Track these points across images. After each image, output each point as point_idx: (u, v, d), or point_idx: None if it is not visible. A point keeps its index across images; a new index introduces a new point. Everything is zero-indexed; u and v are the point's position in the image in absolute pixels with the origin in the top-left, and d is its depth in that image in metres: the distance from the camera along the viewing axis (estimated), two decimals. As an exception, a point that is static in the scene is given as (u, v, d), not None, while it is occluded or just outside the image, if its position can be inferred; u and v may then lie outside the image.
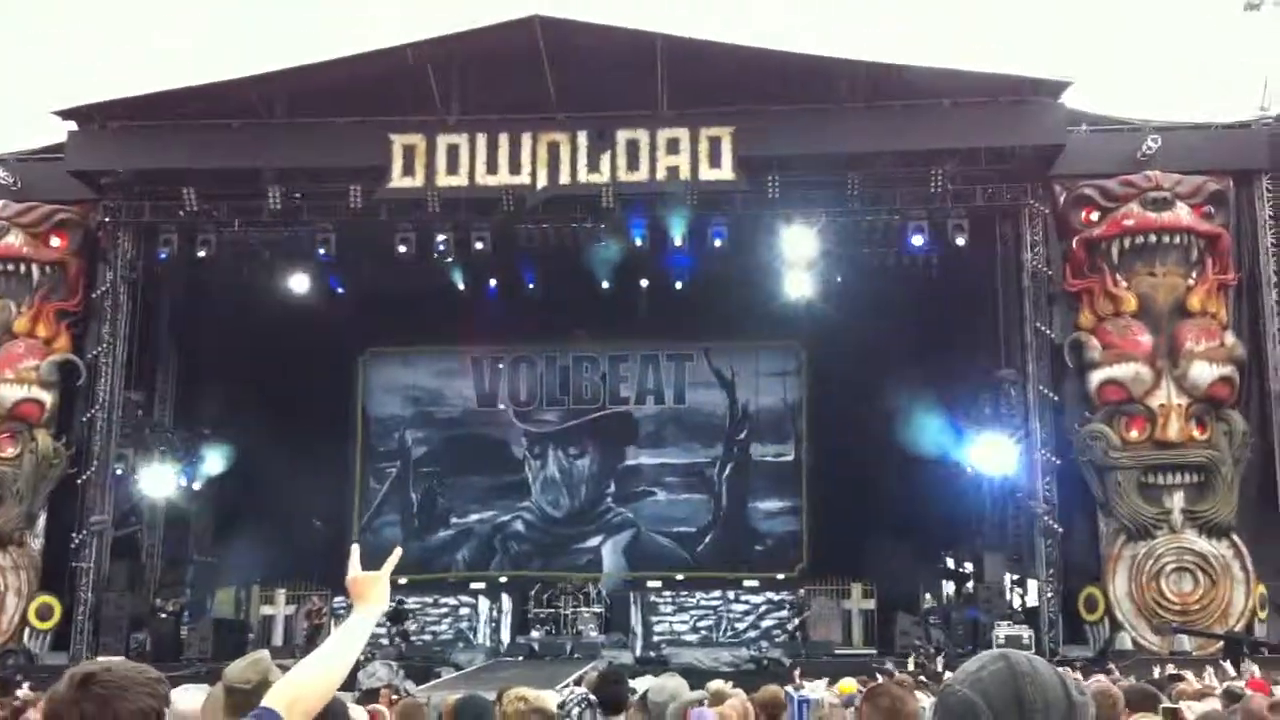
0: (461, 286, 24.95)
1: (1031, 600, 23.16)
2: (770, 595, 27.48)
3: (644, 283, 25.37)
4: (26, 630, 22.08)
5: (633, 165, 21.37)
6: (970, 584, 25.90)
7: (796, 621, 26.58)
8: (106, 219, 23.13)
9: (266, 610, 27.25)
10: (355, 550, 3.28)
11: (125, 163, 22.59)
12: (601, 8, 21.30)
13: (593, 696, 7.04)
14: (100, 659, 2.74)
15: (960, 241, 22.19)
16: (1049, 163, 22.20)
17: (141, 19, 42.27)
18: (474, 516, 29.68)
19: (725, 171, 21.35)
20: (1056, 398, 22.26)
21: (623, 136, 21.41)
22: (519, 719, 4.34)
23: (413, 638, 26.08)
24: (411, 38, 20.90)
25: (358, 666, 21.04)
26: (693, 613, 27.28)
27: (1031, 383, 22.28)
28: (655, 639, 26.21)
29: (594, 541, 29.62)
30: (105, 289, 22.92)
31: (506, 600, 27.16)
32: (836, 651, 24.52)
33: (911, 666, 18.44)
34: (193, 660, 21.57)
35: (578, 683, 13.02)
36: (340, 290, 25.25)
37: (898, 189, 22.54)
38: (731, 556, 28.86)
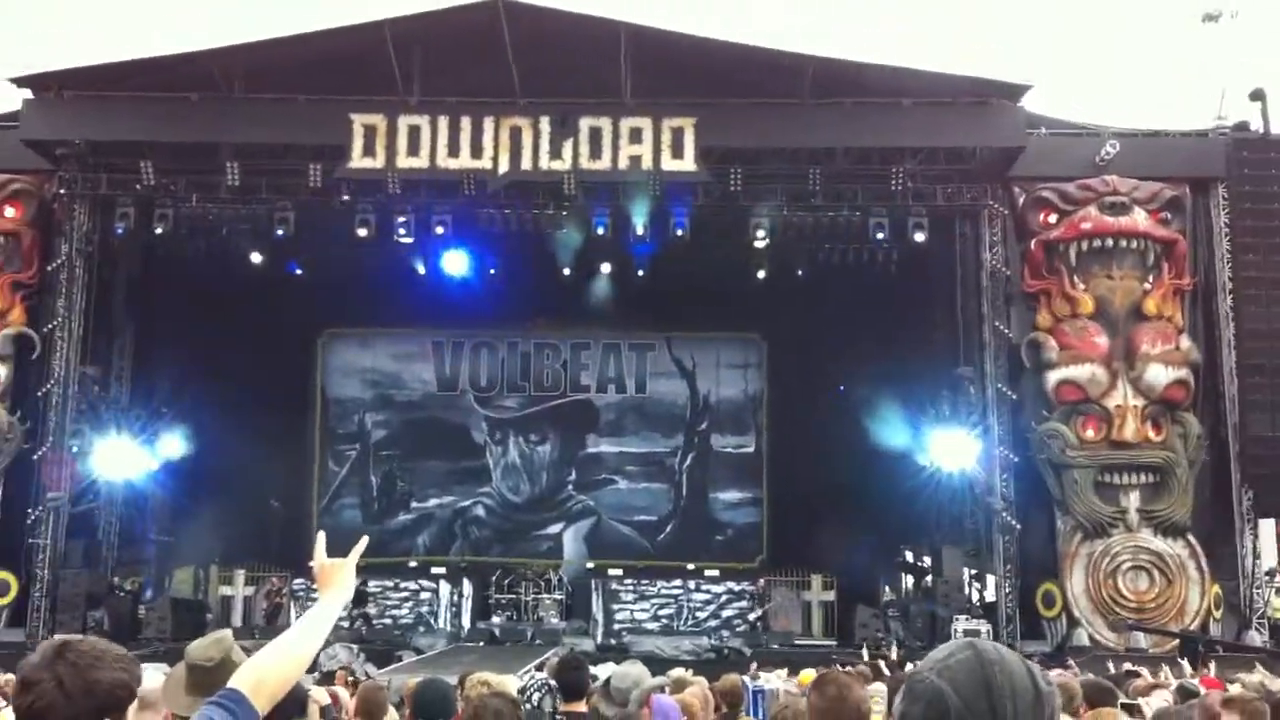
0: (421, 270, 24.83)
1: (990, 595, 23.36)
2: (731, 585, 27.51)
3: (605, 270, 25.29)
4: (-19, 607, 21.89)
5: (595, 153, 21.24)
6: (929, 578, 26.04)
7: (758, 612, 26.62)
8: (62, 190, 22.79)
9: (225, 590, 27.14)
10: (321, 537, 3.29)
11: (81, 133, 22.24)
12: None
13: (553, 682, 7.08)
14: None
15: (920, 238, 22.27)
16: (1008, 164, 22.30)
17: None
18: (434, 501, 29.62)
19: (687, 162, 21.27)
20: (1014, 396, 22.42)
21: (585, 124, 21.28)
22: (481, 703, 4.31)
23: (374, 621, 26.00)
24: (375, 16, 20.67)
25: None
26: (654, 601, 27.27)
27: (989, 380, 22.44)
28: (616, 626, 26.21)
29: (555, 528, 29.61)
30: (61, 262, 22.60)
31: (467, 585, 27.11)
32: (796, 642, 24.66)
33: (867, 657, 18.51)
34: (151, 639, 21.47)
35: (539, 668, 13.01)
36: (298, 270, 25.10)
37: (859, 186, 22.55)
38: (692, 546, 28.93)
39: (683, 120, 21.22)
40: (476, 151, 21.27)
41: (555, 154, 21.25)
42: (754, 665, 16.97)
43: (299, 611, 25.88)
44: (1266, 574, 22.39)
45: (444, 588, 27.15)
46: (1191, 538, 21.75)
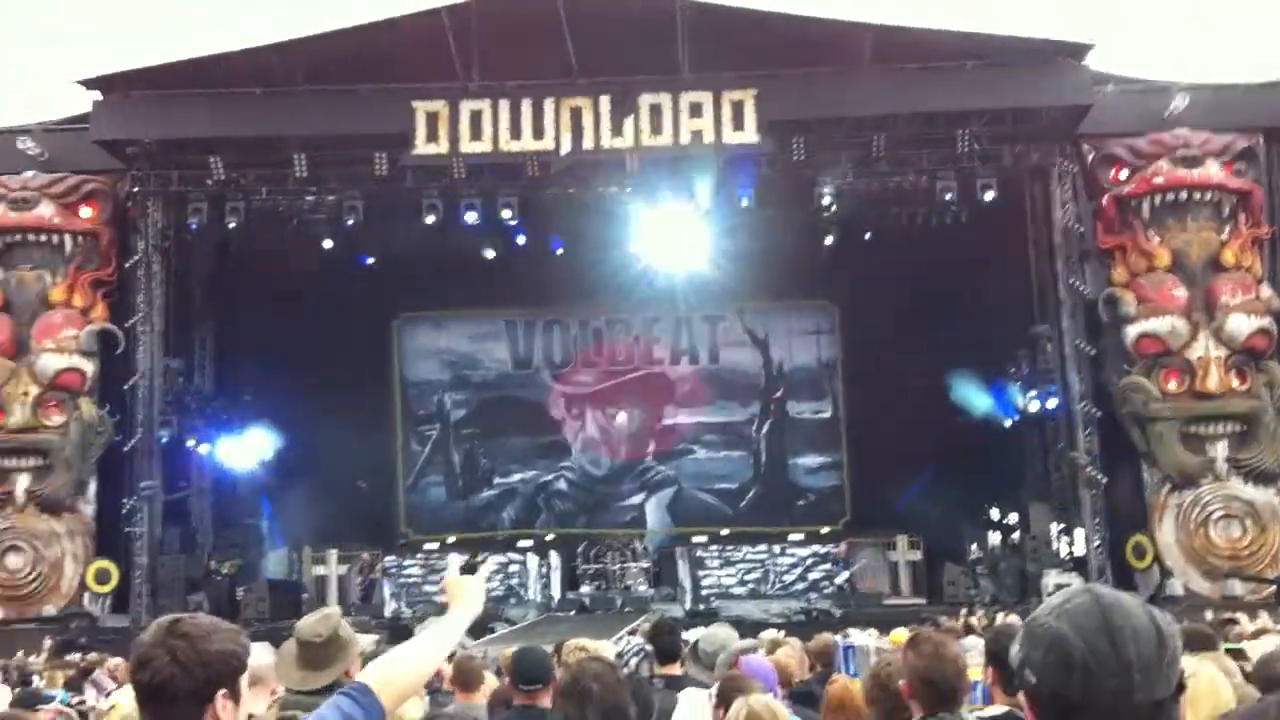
0: (490, 252, 25.02)
1: (1079, 549, 23.13)
2: (816, 548, 27.51)
3: (671, 242, 25.19)
4: (86, 594, 22.49)
5: (656, 129, 21.17)
6: (1016, 534, 25.84)
7: (845, 574, 26.58)
8: (135, 189, 23.23)
9: (319, 570, 27.67)
10: (453, 559, 3.45)
11: (150, 132, 22.60)
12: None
13: (648, 646, 7.14)
14: None
15: (989, 197, 22.02)
16: (1076, 122, 21.91)
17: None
18: (516, 476, 29.92)
19: (749, 134, 21.12)
20: (1093, 351, 22.18)
21: (645, 101, 21.21)
22: (580, 667, 4.43)
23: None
24: (433, 5, 20.76)
25: (416, 621, 21.49)
26: (739, 566, 27.34)
27: (1067, 338, 22.19)
28: (704, 592, 26.33)
29: (637, 499, 29.79)
30: (138, 258, 23.01)
31: (555, 557, 27.40)
32: (886, 603, 24.62)
33: (963, 616, 18.43)
34: (250, 621, 21.88)
35: (631, 634, 13.15)
36: (369, 260, 25.42)
37: (924, 150, 22.33)
38: (774, 512, 28.93)
39: (743, 92, 21.05)
40: (538, 133, 21.31)
41: (616, 132, 21.23)
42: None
43: (393, 589, 26.43)
44: (1363, 516, 21.84)
45: (532, 560, 27.47)
46: (1283, 484, 21.33)
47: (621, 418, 30.01)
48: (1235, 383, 21.51)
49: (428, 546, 28.03)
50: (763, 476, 29.61)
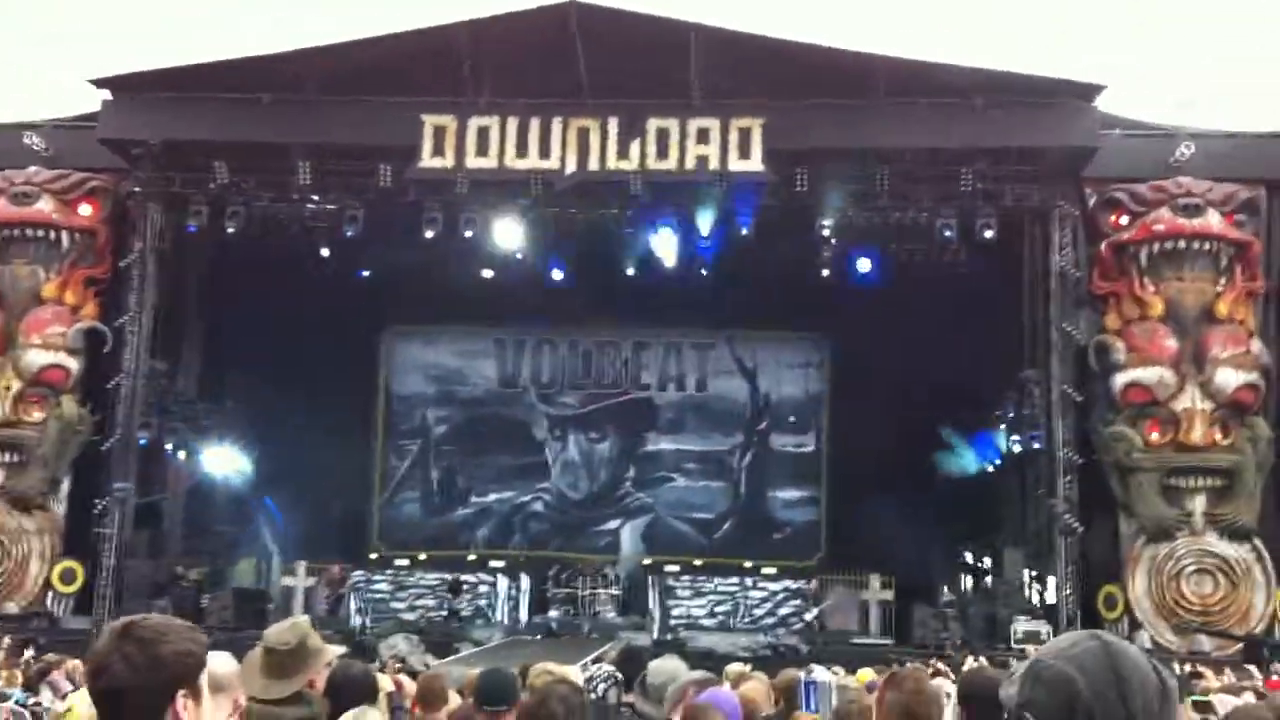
0: (487, 269, 25.02)
1: (1050, 597, 23.21)
2: (788, 583, 27.39)
3: (669, 269, 25.29)
4: (50, 594, 22.26)
5: (662, 153, 21.31)
6: (988, 579, 25.91)
7: (814, 610, 26.57)
8: (136, 189, 23.17)
9: (287, 581, 27.39)
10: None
11: (157, 133, 22.60)
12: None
13: (619, 674, 7.08)
14: None
15: (989, 235, 22.15)
16: (1080, 165, 22.12)
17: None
18: (493, 496, 29.83)
19: (754, 163, 21.28)
20: (1080, 398, 22.23)
21: (653, 124, 21.36)
22: (547, 689, 4.42)
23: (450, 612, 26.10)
24: (445, 19, 20.90)
25: (379, 638, 21.34)
26: (710, 598, 27.21)
27: (1055, 382, 22.20)
28: (672, 622, 26.17)
29: (612, 524, 29.72)
30: (134, 258, 22.94)
31: (525, 579, 27.27)
32: (854, 641, 24.58)
33: (933, 664, 18.46)
34: (213, 629, 21.52)
35: (598, 661, 13.08)
36: (365, 269, 25.38)
37: (926, 186, 22.46)
38: (749, 544, 28.88)
39: (750, 120, 21.23)
40: (545, 152, 21.43)
41: (622, 154, 21.35)
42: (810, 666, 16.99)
43: (359, 603, 26.22)
44: (1333, 579, 22.08)
45: (502, 581, 27.31)
46: (1258, 542, 21.55)
47: (604, 442, 29.99)
48: (1219, 436, 21.61)
49: (398, 562, 27.84)
50: (740, 508, 29.63)
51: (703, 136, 21.28)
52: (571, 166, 21.47)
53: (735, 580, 27.45)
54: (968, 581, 28.61)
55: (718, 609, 27.07)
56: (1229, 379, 21.54)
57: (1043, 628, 21.72)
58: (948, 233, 22.32)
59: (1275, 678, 13.80)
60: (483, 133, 21.49)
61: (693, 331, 29.15)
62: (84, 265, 23.12)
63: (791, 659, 18.87)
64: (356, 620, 25.49)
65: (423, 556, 28.10)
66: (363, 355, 29.06)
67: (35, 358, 22.54)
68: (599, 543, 29.35)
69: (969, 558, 28.20)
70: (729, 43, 20.82)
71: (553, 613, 26.38)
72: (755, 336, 29.57)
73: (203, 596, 24.30)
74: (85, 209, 23.16)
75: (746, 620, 26.67)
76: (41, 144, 23.16)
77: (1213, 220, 21.88)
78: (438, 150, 21.55)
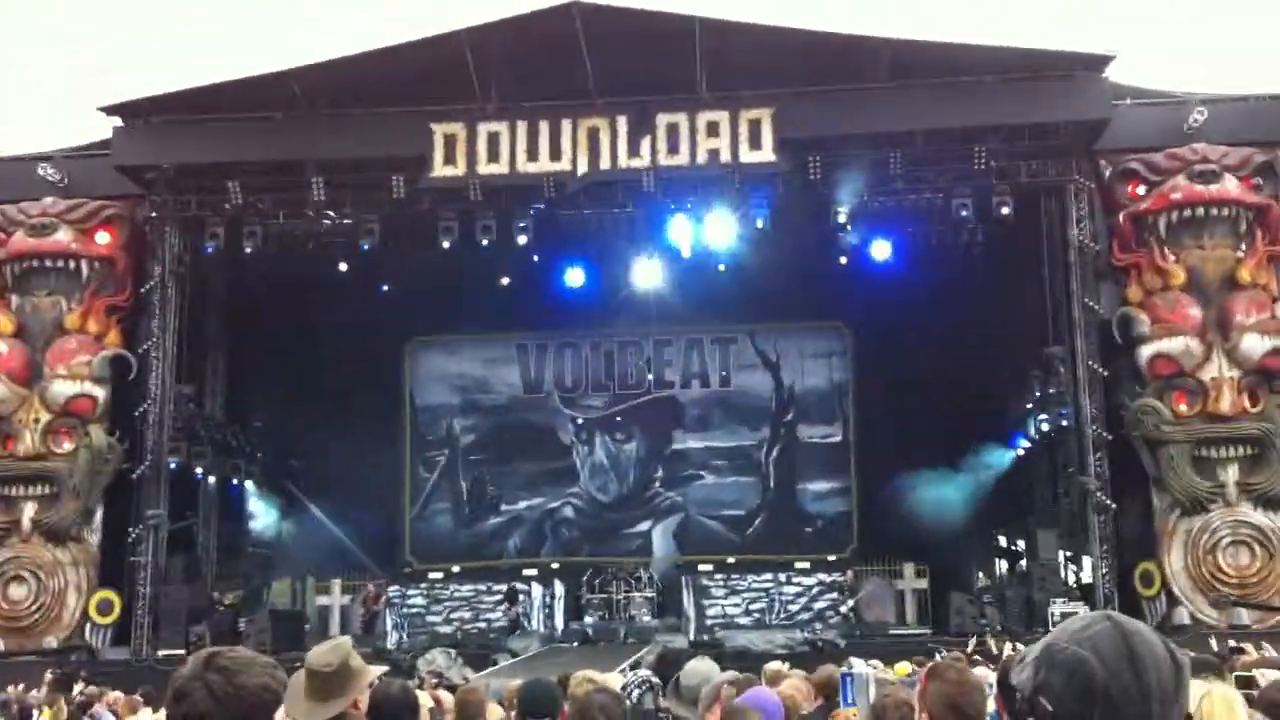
0: (505, 276, 25.05)
1: (1086, 577, 23.07)
2: (822, 577, 27.31)
3: (686, 264, 25.28)
4: (88, 625, 22.27)
5: (673, 149, 21.35)
6: (1023, 562, 25.76)
7: (850, 603, 26.47)
8: (153, 214, 23.30)
9: (322, 600, 27.49)
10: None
11: (170, 157, 22.80)
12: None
13: (654, 679, 7.06)
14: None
15: (1005, 211, 21.99)
16: (1094, 137, 21.98)
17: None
18: (523, 503, 29.80)
19: (766, 153, 21.29)
20: (1106, 373, 22.06)
21: (662, 120, 21.40)
22: (586, 699, 4.39)
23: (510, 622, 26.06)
24: (450, 27, 20.95)
25: (417, 654, 21.35)
26: (745, 595, 27.14)
27: (1080, 358, 22.10)
28: (708, 622, 26.12)
29: (643, 526, 29.67)
30: (153, 284, 23.10)
31: (559, 586, 27.24)
32: (891, 632, 24.50)
33: (971, 647, 18.37)
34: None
35: (635, 666, 13.06)
36: (385, 282, 25.44)
37: (940, 167, 22.39)
38: (782, 539, 28.79)
39: (760, 111, 21.23)
40: (556, 154, 21.47)
41: (634, 152, 21.40)
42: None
43: (395, 619, 26.26)
44: (1373, 543, 21.83)
45: (536, 589, 27.31)
46: (1293, 509, 21.30)
47: (630, 443, 29.96)
48: (1248, 404, 21.41)
49: (432, 575, 27.87)
50: (770, 503, 29.52)
51: (713, 130, 21.30)
52: (583, 167, 21.51)
53: (769, 576, 27.36)
54: (1003, 566, 28.47)
55: (753, 606, 27.01)
56: (1255, 345, 21.33)
57: (1081, 609, 21.52)
58: (964, 213, 22.19)
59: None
60: (493, 138, 21.56)
61: (714, 326, 29.08)
62: (105, 293, 23.21)
63: (830, 653, 18.83)
64: (393, 636, 25.55)
65: (456, 569, 28.13)
66: (386, 368, 29.13)
67: (62, 388, 22.61)
68: (631, 545, 29.32)
69: (1003, 541, 28.05)
70: (733, 33, 20.82)
71: (588, 619, 26.34)
72: (777, 328, 29.45)
73: (239, 620, 24.39)
74: (103, 237, 23.25)
75: (782, 616, 26.61)
76: (55, 174, 23.30)
77: (1230, 185, 21.65)
78: (449, 159, 21.63)
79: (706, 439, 29.83)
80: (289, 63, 21.96)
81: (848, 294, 26.15)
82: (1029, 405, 24.56)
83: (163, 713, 2.71)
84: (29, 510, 22.48)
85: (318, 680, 4.53)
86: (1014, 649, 14.25)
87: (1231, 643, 13.75)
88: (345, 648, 4.68)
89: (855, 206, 22.67)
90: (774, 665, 10.13)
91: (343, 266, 24.21)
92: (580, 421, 30.05)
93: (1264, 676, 7.68)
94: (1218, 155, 21.77)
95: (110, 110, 22.52)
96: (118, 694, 12.53)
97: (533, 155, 21.51)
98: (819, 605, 26.92)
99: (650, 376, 29.99)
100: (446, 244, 22.73)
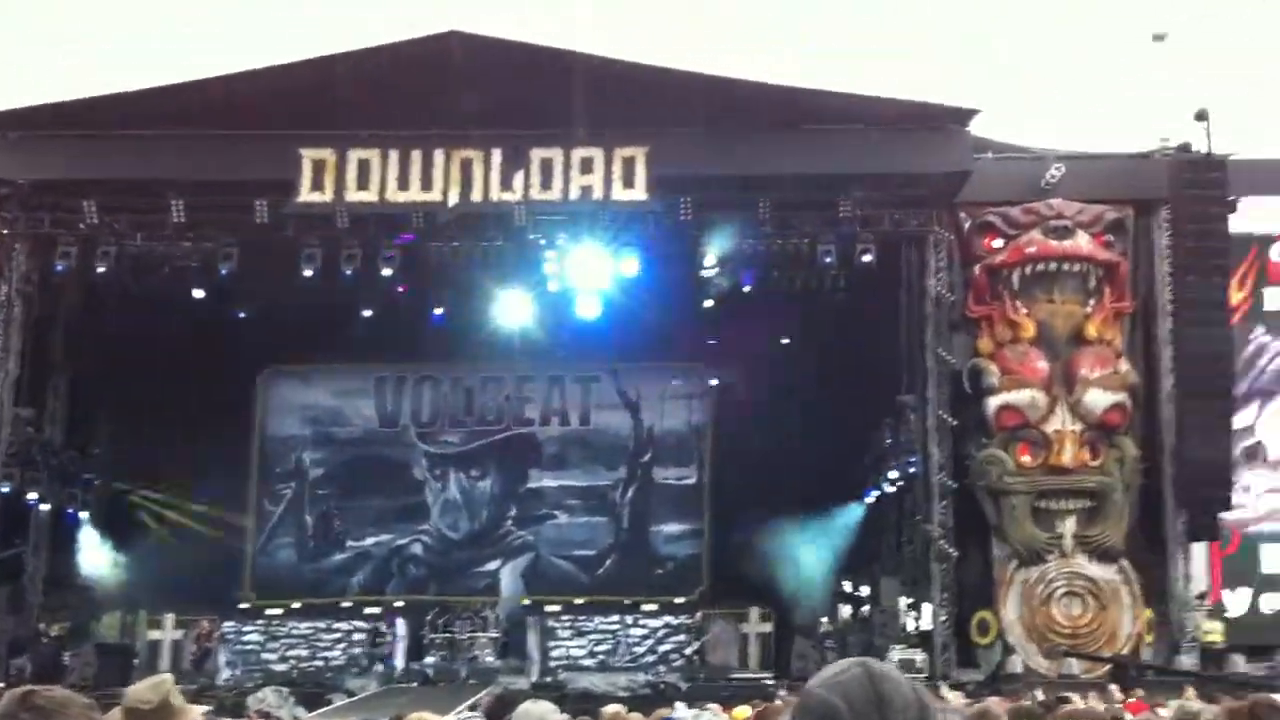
0: (368, 306, 24.68)
1: (926, 624, 23.53)
2: (669, 619, 27.39)
3: (552, 300, 25.27)
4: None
5: (546, 184, 21.33)
6: (866, 608, 26.25)
7: (695, 646, 26.60)
8: (4, 230, 22.44)
9: (154, 635, 26.46)
10: None
11: (25, 173, 21.95)
12: (520, 26, 21.27)
13: None
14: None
15: (867, 259, 22.43)
16: (955, 189, 22.55)
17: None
18: (371, 539, 29.17)
19: (638, 192, 21.43)
20: (955, 422, 22.62)
21: (536, 155, 21.36)
22: None
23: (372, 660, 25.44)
24: (324, 52, 20.71)
25: (247, 692, 20.74)
26: (591, 637, 27.08)
27: (931, 407, 22.66)
28: (552, 664, 25.98)
29: (492, 565, 29.30)
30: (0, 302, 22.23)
31: (401, 625, 26.75)
32: (734, 676, 24.64)
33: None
34: (74, 686, 20.83)
35: (472, 708, 12.93)
36: (240, 308, 24.81)
37: (808, 213, 22.75)
38: (631, 580, 28.73)
39: (634, 149, 21.36)
40: (427, 184, 21.26)
41: (506, 185, 21.30)
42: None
43: (229, 656, 25.47)
44: (1197, 598, 22.74)
45: (401, 625, 26.80)
46: (1125, 563, 22.10)
47: (485, 480, 29.68)
48: (1088, 458, 22.05)
49: (270, 612, 27.14)
50: (622, 544, 29.46)
51: (586, 166, 21.35)
52: (454, 198, 21.33)
53: (616, 618, 27.33)
54: (847, 611, 28.92)
55: (598, 648, 26.94)
56: (1098, 400, 22.02)
57: (918, 656, 22.07)
58: (828, 259, 22.57)
59: (1135, 699, 14.30)
60: (363, 165, 21.24)
61: (577, 364, 28.97)
62: (-52, 311, 22.19)
63: (671, 696, 18.92)
64: (225, 673, 24.84)
65: (296, 605, 27.43)
66: (239, 398, 28.28)
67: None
68: (479, 584, 28.91)
69: (848, 587, 28.52)
70: (611, 71, 20.95)
71: (430, 659, 25.88)
72: (639, 368, 29.48)
73: (64, 653, 23.48)
74: (-52, 255, 22.29)
75: (627, 659, 26.58)
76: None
77: (1082, 241, 22.36)
78: (316, 184, 21.25)
79: (562, 478, 29.67)
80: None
81: (711, 336, 26.47)
82: (881, 453, 25.15)
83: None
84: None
85: (135, 718, 4.39)
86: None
87: (1059, 693, 14.19)
88: (166, 685, 4.53)
89: (724, 249, 22.91)
90: (612, 708, 10.17)
91: (199, 292, 23.50)
92: (435, 457, 29.67)
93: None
94: (1072, 212, 22.49)
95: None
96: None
97: (403, 184, 21.27)
98: (664, 648, 26.98)
99: (510, 413, 29.82)
100: (309, 271, 22.26)
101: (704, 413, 29.72)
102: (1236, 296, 23.41)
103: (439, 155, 21.27)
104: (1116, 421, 22.27)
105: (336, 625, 27.10)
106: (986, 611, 22.08)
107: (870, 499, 26.62)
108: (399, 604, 27.85)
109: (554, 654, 26.49)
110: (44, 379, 24.16)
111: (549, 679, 24.23)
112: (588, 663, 26.37)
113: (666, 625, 27.37)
